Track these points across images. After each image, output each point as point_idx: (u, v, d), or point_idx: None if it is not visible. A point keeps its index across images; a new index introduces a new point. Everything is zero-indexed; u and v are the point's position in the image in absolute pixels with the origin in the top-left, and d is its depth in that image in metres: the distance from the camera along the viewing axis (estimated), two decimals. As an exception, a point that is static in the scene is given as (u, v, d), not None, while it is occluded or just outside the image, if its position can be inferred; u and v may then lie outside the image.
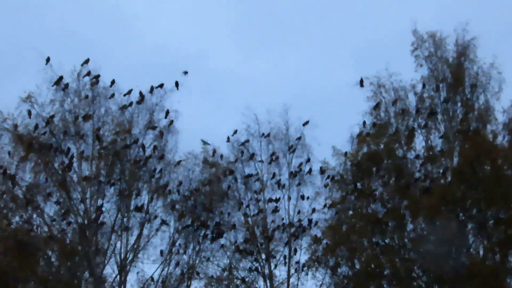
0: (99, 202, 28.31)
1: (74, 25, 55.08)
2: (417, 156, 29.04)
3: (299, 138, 30.81)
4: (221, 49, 56.47)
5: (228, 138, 30.92)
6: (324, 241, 29.51)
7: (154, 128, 29.18)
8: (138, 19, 57.94)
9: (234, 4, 58.85)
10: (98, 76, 28.68)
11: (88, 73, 28.69)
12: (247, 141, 30.97)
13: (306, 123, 30.66)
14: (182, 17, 59.38)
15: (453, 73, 29.50)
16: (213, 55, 56.06)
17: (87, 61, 28.61)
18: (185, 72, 29.16)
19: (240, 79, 53.22)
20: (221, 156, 30.69)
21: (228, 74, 52.87)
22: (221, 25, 58.93)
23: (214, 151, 30.59)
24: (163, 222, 29.03)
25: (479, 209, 27.98)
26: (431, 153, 28.99)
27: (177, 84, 29.13)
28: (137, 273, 28.64)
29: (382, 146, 29.09)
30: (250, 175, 30.71)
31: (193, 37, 56.13)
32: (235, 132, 30.96)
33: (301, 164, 30.65)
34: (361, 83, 29.67)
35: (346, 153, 29.63)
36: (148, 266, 28.90)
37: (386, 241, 28.47)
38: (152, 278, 28.73)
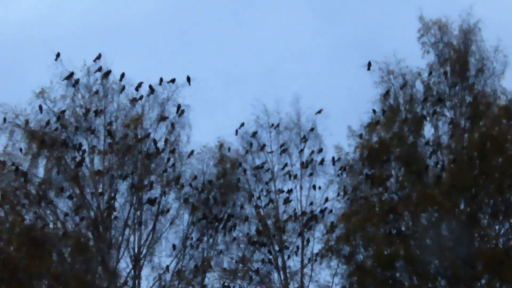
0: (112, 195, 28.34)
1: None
2: (427, 143, 29.17)
3: (312, 129, 30.79)
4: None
5: (236, 131, 30.90)
6: (338, 230, 29.61)
7: (165, 119, 29.16)
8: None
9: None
10: (109, 71, 28.78)
11: (100, 69, 28.76)
12: (255, 132, 30.97)
13: (319, 112, 30.68)
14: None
15: (459, 58, 29.64)
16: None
17: (99, 57, 28.68)
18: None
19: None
20: (229, 148, 30.71)
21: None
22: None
23: (221, 145, 30.60)
24: None
25: (490, 195, 28.14)
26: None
27: (188, 79, 29.21)
28: (152, 268, 28.71)
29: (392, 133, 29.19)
30: (259, 166, 30.72)
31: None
32: (242, 124, 30.94)
33: (312, 152, 30.55)
34: (369, 66, 29.59)
35: (361, 135, 29.52)
36: (162, 259, 28.97)
37: (401, 229, 28.58)
38: (167, 267, 28.71)
